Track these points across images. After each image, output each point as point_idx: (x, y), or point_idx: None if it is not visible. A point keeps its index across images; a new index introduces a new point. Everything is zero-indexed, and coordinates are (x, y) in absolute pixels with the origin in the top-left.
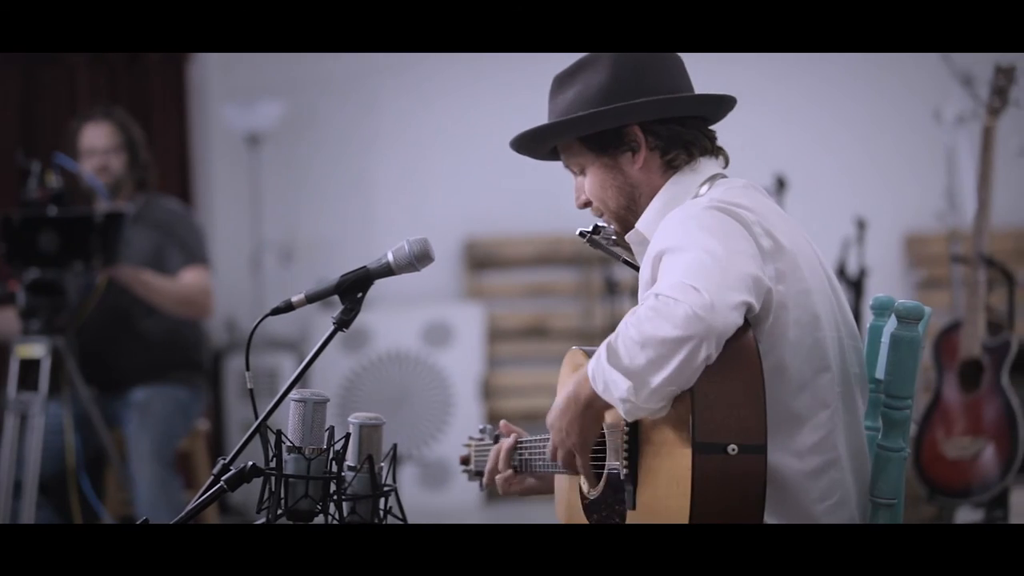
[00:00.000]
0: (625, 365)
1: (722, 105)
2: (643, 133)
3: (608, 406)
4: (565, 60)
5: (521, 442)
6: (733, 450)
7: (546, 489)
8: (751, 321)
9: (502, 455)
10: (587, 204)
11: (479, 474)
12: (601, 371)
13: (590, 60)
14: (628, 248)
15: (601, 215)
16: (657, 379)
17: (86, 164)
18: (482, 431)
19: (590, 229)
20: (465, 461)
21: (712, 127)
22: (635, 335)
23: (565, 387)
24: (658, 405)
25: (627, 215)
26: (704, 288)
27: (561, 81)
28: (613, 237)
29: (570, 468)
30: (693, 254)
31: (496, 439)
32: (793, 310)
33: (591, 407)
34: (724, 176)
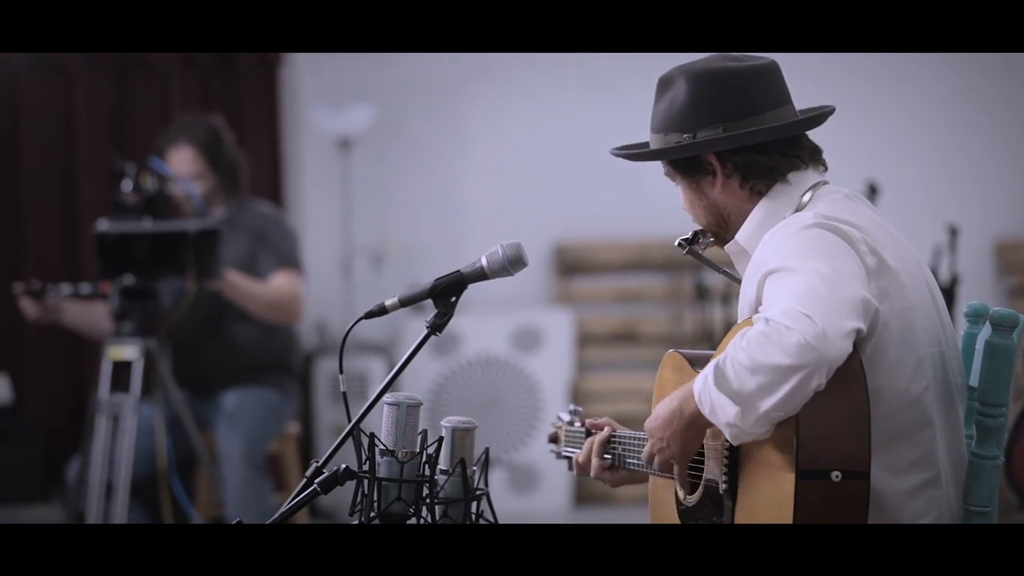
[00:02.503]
0: (734, 390)
1: (811, 122)
2: (718, 161)
3: (711, 424)
4: (653, 61)
5: (616, 436)
6: (836, 477)
7: (638, 479)
8: (856, 343)
9: (595, 448)
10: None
11: (567, 457)
12: (708, 393)
13: (682, 71)
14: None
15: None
16: (765, 405)
17: (173, 187)
18: (572, 412)
19: (688, 236)
20: (554, 440)
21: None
22: (745, 360)
23: (669, 399)
24: (764, 429)
25: (718, 231)
26: (816, 316)
27: (661, 86)
28: (712, 240)
29: (665, 474)
30: (802, 276)
31: (585, 429)
32: (895, 330)
33: (695, 424)
34: (826, 183)
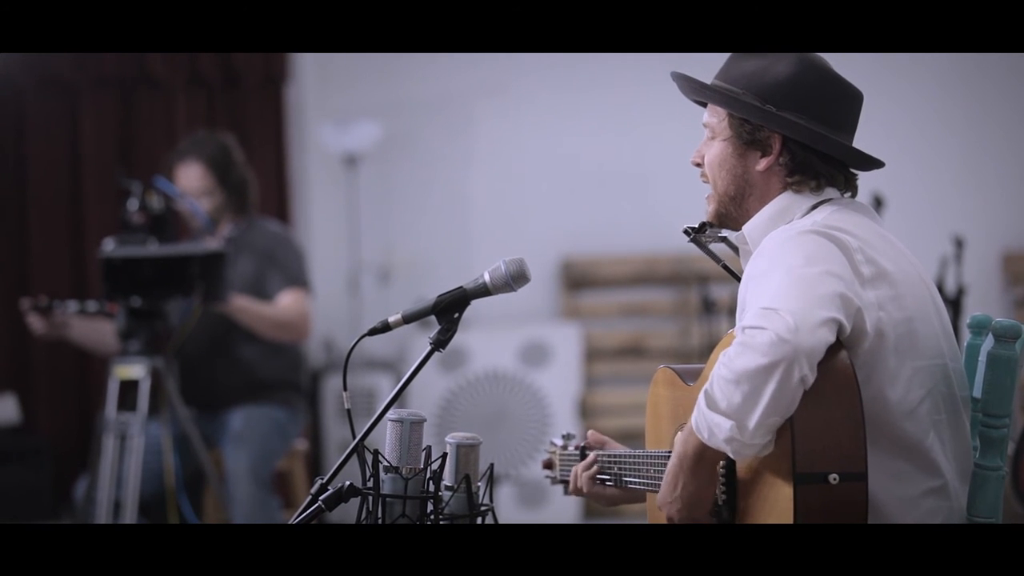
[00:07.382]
0: (724, 408)
1: (869, 163)
2: (781, 146)
3: (719, 455)
4: (658, 79)
5: (611, 456)
6: (834, 479)
7: (633, 499)
8: (845, 344)
9: (585, 473)
10: (699, 165)
11: (563, 481)
12: (703, 419)
13: (793, 53)
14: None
15: (706, 183)
16: (757, 412)
17: (180, 203)
18: (564, 437)
19: (695, 227)
20: (548, 466)
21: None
22: (727, 374)
23: (673, 455)
24: (764, 439)
25: (729, 203)
26: (786, 309)
27: (762, 51)
28: (721, 234)
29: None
30: (779, 277)
31: (581, 450)
32: (892, 339)
33: (702, 460)
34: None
